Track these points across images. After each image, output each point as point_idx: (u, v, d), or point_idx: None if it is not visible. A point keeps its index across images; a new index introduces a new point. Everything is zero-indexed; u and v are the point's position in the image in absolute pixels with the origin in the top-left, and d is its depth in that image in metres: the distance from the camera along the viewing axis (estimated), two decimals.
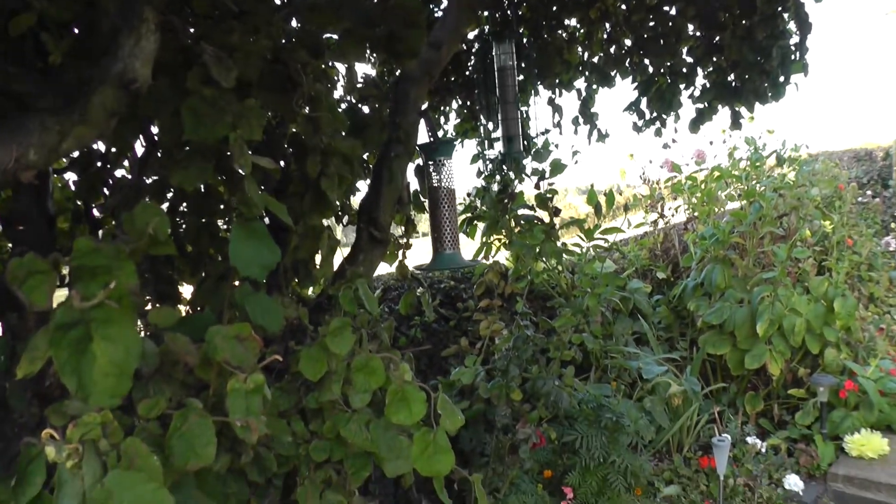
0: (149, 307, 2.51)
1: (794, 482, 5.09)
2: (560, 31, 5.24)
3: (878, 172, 12.64)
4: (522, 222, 4.34)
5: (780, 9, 4.38)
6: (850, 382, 5.67)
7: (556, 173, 4.34)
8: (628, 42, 5.24)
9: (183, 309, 2.57)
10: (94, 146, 2.50)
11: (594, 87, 5.58)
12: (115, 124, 1.62)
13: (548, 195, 4.34)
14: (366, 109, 3.10)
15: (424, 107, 3.38)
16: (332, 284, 2.60)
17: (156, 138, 2.38)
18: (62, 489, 1.26)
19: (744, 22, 4.44)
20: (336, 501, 2.15)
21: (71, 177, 2.65)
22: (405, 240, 3.33)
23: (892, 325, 6.76)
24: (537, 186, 4.35)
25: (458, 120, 5.73)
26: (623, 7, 4.98)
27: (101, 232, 2.61)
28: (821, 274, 6.46)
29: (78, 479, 1.26)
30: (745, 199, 6.80)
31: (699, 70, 4.99)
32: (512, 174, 4.44)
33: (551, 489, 4.61)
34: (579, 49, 5.39)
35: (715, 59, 4.86)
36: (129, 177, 2.52)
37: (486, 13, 4.65)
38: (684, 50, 4.99)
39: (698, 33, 4.88)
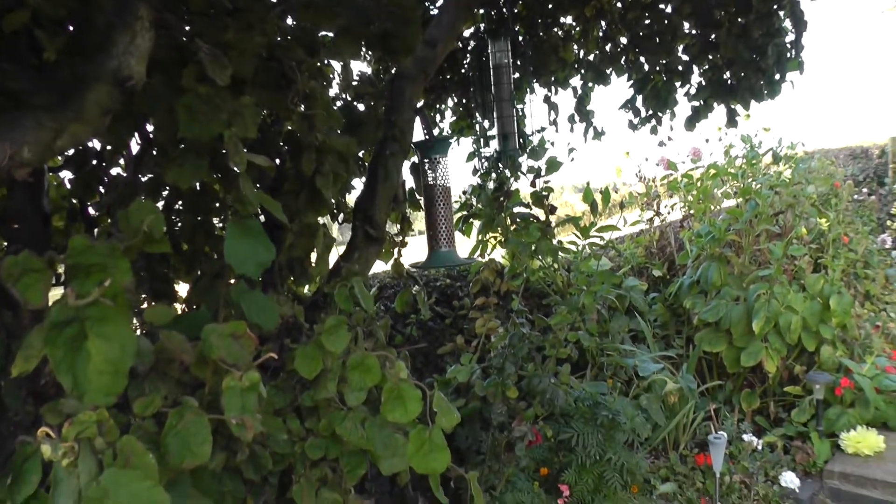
0: (144, 305, 2.52)
1: (790, 479, 5.10)
2: (556, 29, 5.25)
3: (874, 170, 12.68)
4: (518, 220, 4.34)
5: (775, 7, 4.39)
6: (846, 380, 5.68)
7: (551, 171, 4.35)
8: (624, 40, 5.25)
9: (178, 307, 2.57)
10: (90, 144, 2.50)
11: (590, 84, 5.58)
12: (109, 122, 1.62)
13: (544, 193, 4.34)
14: (361, 107, 3.10)
15: (420, 104, 3.38)
16: (327, 282, 2.60)
17: (151, 136, 2.38)
18: (58, 487, 1.26)
19: (739, 20, 4.45)
20: (332, 499, 2.15)
21: (66, 175, 2.65)
22: (401, 238, 3.33)
23: (888, 323, 6.76)
24: (533, 184, 4.35)
25: (454, 118, 5.74)
26: (619, 5, 4.99)
27: (96, 230, 2.60)
28: (817, 271, 6.46)
29: (74, 477, 1.26)
30: (741, 196, 6.80)
31: (695, 68, 5.01)
32: (508, 172, 4.44)
33: (548, 487, 4.62)
34: (575, 47, 5.40)
35: (710, 56, 4.87)
36: (125, 175, 2.51)
37: (481, 11, 4.65)
38: (680, 48, 5.00)
39: (694, 31, 4.89)
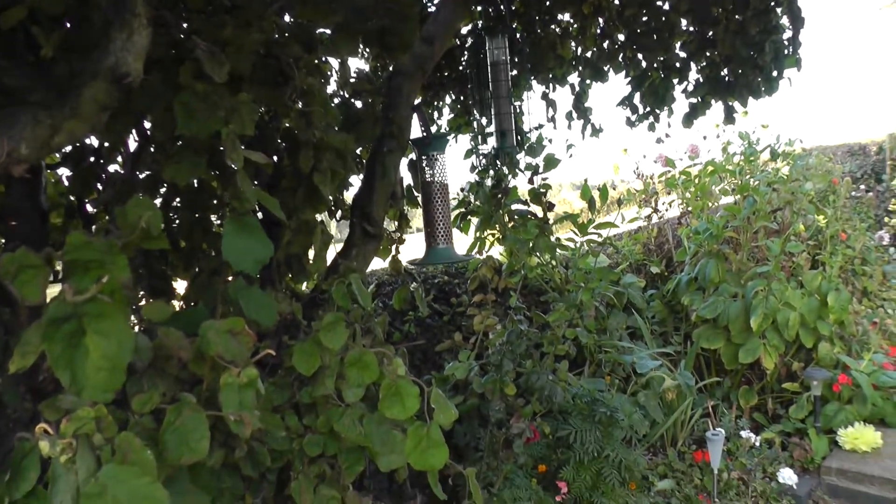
0: (142, 302, 2.52)
1: (787, 476, 5.10)
2: (553, 26, 5.24)
3: (872, 167, 12.69)
4: (516, 217, 4.34)
5: (772, 3, 4.38)
6: (843, 376, 5.68)
7: (549, 168, 4.34)
8: (621, 37, 5.24)
9: (176, 304, 2.57)
10: (87, 141, 2.50)
11: (587, 81, 5.58)
12: (107, 119, 1.62)
13: (541, 190, 4.34)
14: (359, 104, 3.10)
15: (417, 102, 3.38)
16: (325, 279, 2.60)
17: (148, 133, 2.38)
18: (56, 484, 1.26)
19: (737, 17, 4.44)
20: (330, 496, 2.15)
21: (64, 172, 2.65)
22: (398, 235, 3.33)
23: (886, 319, 6.77)
24: (531, 181, 4.35)
25: (452, 115, 5.73)
26: (616, 2, 4.98)
27: (94, 227, 2.60)
28: (815, 268, 6.47)
29: (72, 473, 1.26)
30: (738, 193, 6.80)
31: (692, 65, 5.00)
32: (505, 169, 4.44)
33: (545, 484, 4.62)
34: (572, 44, 5.39)
35: (708, 53, 4.87)
36: (122, 172, 2.51)
37: (479, 8, 4.65)
38: (677, 45, 5.00)
39: (691, 28, 4.89)
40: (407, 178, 3.53)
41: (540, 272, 6.32)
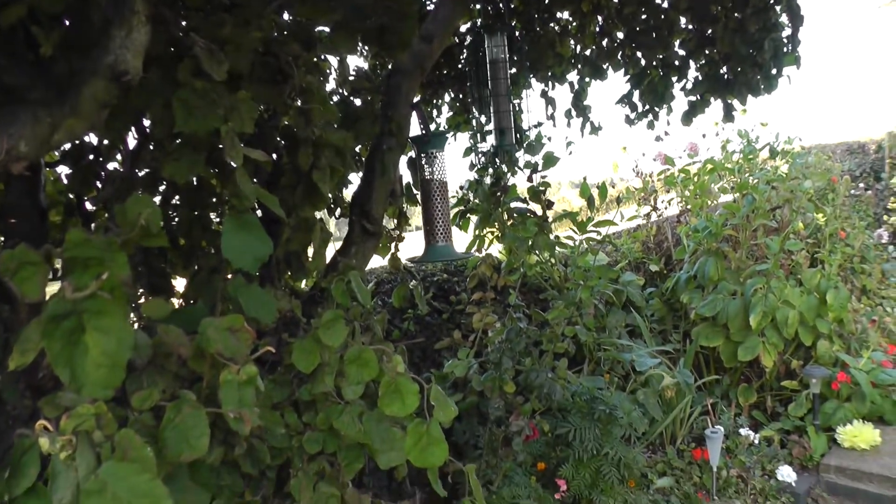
0: (141, 300, 2.52)
1: (786, 473, 5.11)
2: (552, 24, 5.24)
3: (871, 165, 12.68)
4: (515, 215, 4.35)
5: (772, 1, 4.39)
6: (842, 374, 5.69)
7: (548, 166, 4.35)
8: (620, 35, 5.24)
9: (175, 302, 2.57)
10: (86, 139, 2.50)
11: (587, 79, 5.58)
12: (106, 116, 1.62)
13: (540, 188, 4.35)
14: (358, 102, 3.10)
15: (416, 99, 3.38)
16: (324, 277, 2.61)
17: (147, 131, 2.38)
18: (56, 480, 1.26)
19: (736, 14, 4.45)
20: (329, 493, 2.15)
21: (63, 170, 2.65)
22: (398, 232, 3.33)
23: (885, 317, 6.77)
24: (530, 179, 4.36)
25: (451, 113, 5.74)
26: (615, 0, 4.98)
27: (93, 225, 2.60)
28: (813, 266, 6.47)
29: (72, 470, 1.26)
30: (738, 191, 6.80)
31: (691, 63, 5.00)
32: (504, 167, 4.44)
33: (545, 481, 4.62)
34: (571, 42, 5.39)
35: (707, 51, 4.87)
36: (122, 169, 2.51)
37: (478, 6, 4.65)
38: (676, 42, 5.00)
39: (690, 26, 4.89)
40: (406, 176, 3.53)
41: (539, 270, 6.32)
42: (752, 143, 7.42)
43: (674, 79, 5.15)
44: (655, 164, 7.70)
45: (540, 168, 4.34)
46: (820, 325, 5.91)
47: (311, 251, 2.58)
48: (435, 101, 5.65)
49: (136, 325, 1.92)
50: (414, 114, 3.29)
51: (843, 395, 5.75)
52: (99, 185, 2.58)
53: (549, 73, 5.48)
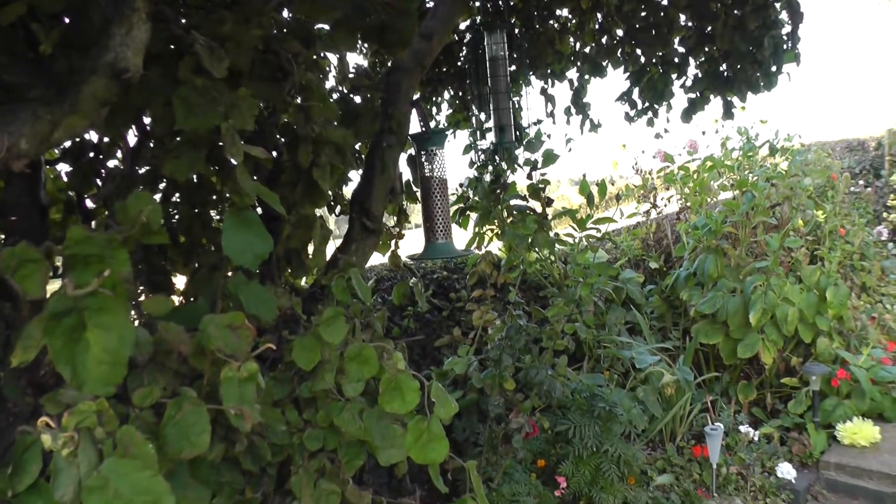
0: (142, 298, 2.52)
1: (786, 470, 5.11)
2: (552, 22, 5.24)
3: (871, 162, 12.70)
4: (515, 212, 4.35)
5: None
6: (842, 371, 5.69)
7: (548, 163, 4.36)
8: (620, 32, 5.24)
9: (175, 299, 2.57)
10: (87, 136, 2.50)
11: (586, 77, 5.58)
12: (106, 114, 1.62)
13: (540, 185, 4.35)
14: (357, 99, 3.10)
15: (416, 97, 3.38)
16: (324, 274, 2.61)
17: (148, 128, 2.38)
18: (58, 477, 1.27)
19: (735, 12, 4.44)
20: (330, 490, 2.16)
21: (63, 168, 2.65)
22: (397, 230, 3.33)
23: (884, 314, 6.78)
24: (529, 177, 4.36)
25: (450, 110, 5.74)
26: None
27: (93, 222, 2.60)
28: (813, 263, 6.48)
29: (74, 467, 1.27)
30: (737, 188, 6.81)
31: (691, 60, 5.00)
32: (504, 164, 4.45)
33: (545, 479, 4.63)
34: (571, 39, 5.39)
35: (707, 48, 4.86)
36: (122, 167, 2.52)
37: (477, 3, 4.65)
38: (676, 40, 4.99)
39: (690, 23, 4.89)
40: (406, 174, 3.54)
41: (539, 267, 6.32)
42: (751, 140, 7.44)
43: (673, 76, 5.15)
44: (655, 161, 7.72)
45: (539, 165, 4.35)
46: (820, 322, 5.92)
47: (311, 248, 2.59)
48: (434, 99, 5.65)
49: (136, 323, 1.92)
50: (414, 111, 3.30)
51: (843, 392, 5.76)
52: (99, 182, 2.58)
53: (549, 71, 5.48)
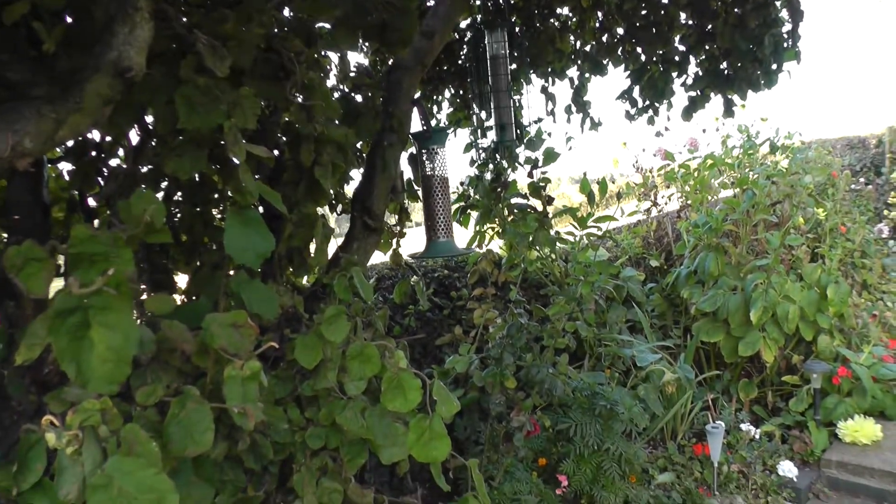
0: (143, 297, 2.52)
1: (787, 468, 5.12)
2: (552, 20, 5.24)
3: (871, 160, 12.70)
4: (516, 211, 4.35)
5: None
6: (843, 369, 5.70)
7: (549, 162, 4.36)
8: (620, 30, 5.24)
9: (178, 298, 2.58)
10: (89, 135, 2.50)
11: (587, 75, 5.58)
12: (109, 112, 1.62)
13: (541, 184, 4.35)
14: (359, 98, 3.10)
15: (417, 96, 3.38)
16: (326, 273, 2.61)
17: (150, 127, 2.38)
18: (63, 475, 1.27)
19: (736, 10, 4.45)
20: (332, 488, 2.16)
21: (65, 166, 2.65)
22: (399, 228, 3.33)
23: (885, 312, 6.78)
24: (530, 175, 4.36)
25: (451, 109, 5.74)
26: None
27: (96, 221, 2.61)
28: (814, 261, 6.48)
29: (78, 465, 1.27)
30: (738, 186, 6.81)
31: (692, 58, 5.00)
32: (505, 163, 4.45)
33: (546, 477, 4.63)
34: (571, 38, 5.39)
35: (707, 47, 4.87)
36: (124, 165, 2.52)
37: (478, 2, 4.65)
38: (677, 38, 4.99)
39: (690, 21, 4.89)
40: (407, 172, 3.54)
41: (540, 266, 6.33)
42: (752, 138, 7.44)
43: (674, 74, 5.15)
44: (655, 159, 7.72)
45: (540, 164, 4.35)
46: (820, 320, 5.92)
47: (312, 247, 2.59)
48: (435, 97, 5.65)
49: (138, 321, 1.92)
50: (415, 110, 3.30)
51: (844, 390, 5.76)
52: (101, 181, 2.58)
53: (549, 69, 5.48)
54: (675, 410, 5.48)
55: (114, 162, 2.61)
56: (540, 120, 4.83)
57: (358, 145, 3.31)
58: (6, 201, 2.18)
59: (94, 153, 2.54)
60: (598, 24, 5.29)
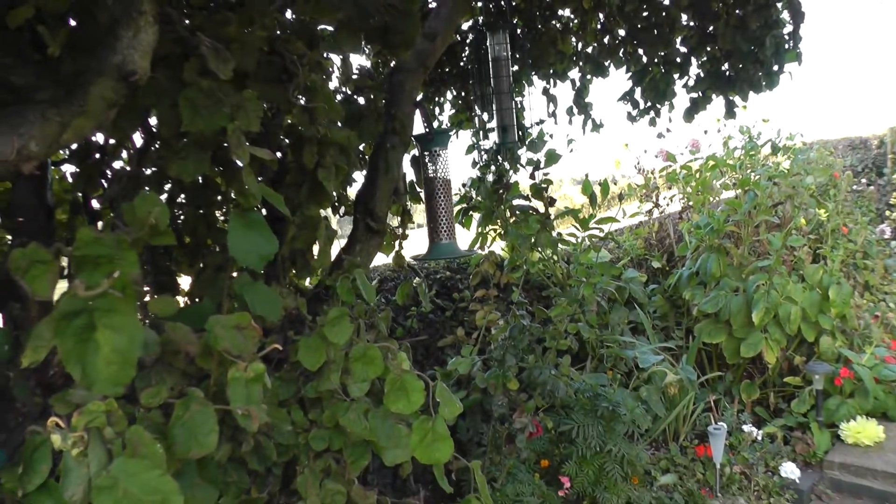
0: (147, 299, 2.53)
1: (790, 470, 5.11)
2: (554, 22, 5.25)
3: (873, 160, 12.70)
4: (518, 212, 4.36)
5: None
6: (845, 370, 5.69)
7: (550, 163, 4.36)
8: (622, 32, 5.25)
9: (181, 300, 2.58)
10: (93, 138, 2.51)
11: (588, 77, 5.59)
12: (113, 116, 1.63)
13: (543, 185, 4.36)
14: (361, 100, 3.11)
15: (419, 98, 3.39)
16: (329, 275, 2.62)
17: (154, 129, 2.39)
18: (68, 476, 1.28)
19: (737, 11, 4.45)
20: (335, 490, 2.17)
21: (69, 168, 2.66)
22: (401, 230, 3.34)
23: (887, 313, 6.78)
24: (532, 177, 4.37)
25: (453, 111, 5.75)
26: None
27: (100, 223, 2.61)
28: (816, 262, 6.48)
29: (83, 466, 1.28)
30: (739, 187, 6.80)
31: (693, 59, 5.01)
32: (507, 164, 4.45)
33: (548, 479, 4.63)
34: (573, 39, 5.40)
35: (709, 48, 4.87)
36: (128, 168, 2.52)
37: (480, 4, 4.66)
38: (678, 39, 5.00)
39: (692, 23, 4.90)
40: (410, 174, 3.54)
41: (542, 267, 6.33)
42: (753, 139, 7.44)
43: (675, 76, 5.16)
44: (657, 160, 7.72)
45: (542, 165, 4.36)
46: (822, 321, 5.91)
47: (316, 249, 2.59)
48: (437, 99, 5.67)
49: (143, 323, 1.92)
50: (417, 112, 3.31)
51: (847, 391, 5.76)
52: (105, 183, 2.59)
53: (551, 71, 5.49)
54: (677, 412, 5.48)
55: (117, 164, 2.62)
56: (542, 121, 4.85)
57: (360, 147, 3.32)
58: (10, 204, 2.18)
59: (97, 156, 2.55)
60: (599, 26, 5.30)
